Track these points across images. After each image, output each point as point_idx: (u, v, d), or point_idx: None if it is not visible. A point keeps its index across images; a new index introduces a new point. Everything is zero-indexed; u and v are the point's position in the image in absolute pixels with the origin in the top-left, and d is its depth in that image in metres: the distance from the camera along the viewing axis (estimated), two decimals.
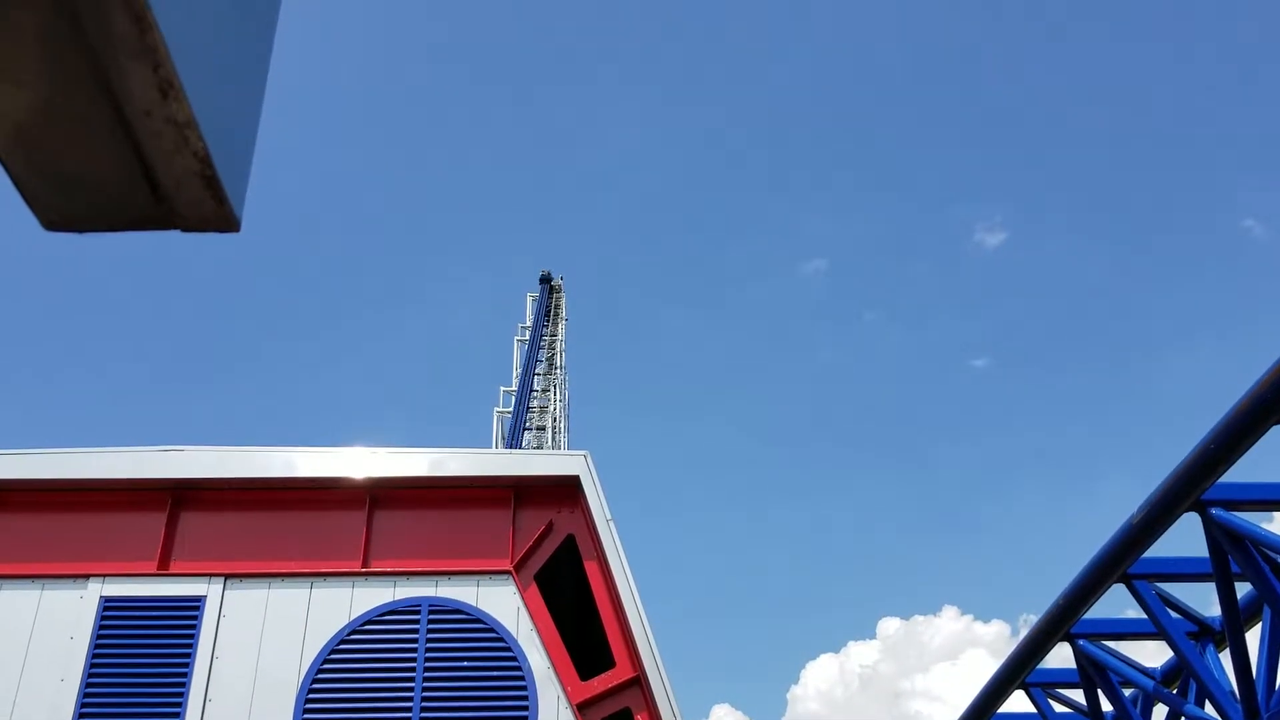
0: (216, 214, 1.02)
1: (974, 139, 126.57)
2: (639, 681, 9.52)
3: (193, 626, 9.42)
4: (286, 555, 9.85)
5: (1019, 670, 8.59)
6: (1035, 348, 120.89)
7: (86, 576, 9.56)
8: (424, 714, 9.18)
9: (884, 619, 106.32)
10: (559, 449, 31.65)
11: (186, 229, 1.03)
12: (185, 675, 9.20)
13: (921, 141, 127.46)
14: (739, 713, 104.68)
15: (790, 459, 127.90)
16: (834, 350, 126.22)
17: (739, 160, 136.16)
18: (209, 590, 9.59)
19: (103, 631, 9.31)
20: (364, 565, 9.84)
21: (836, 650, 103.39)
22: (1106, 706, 8.13)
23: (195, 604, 9.52)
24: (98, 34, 0.87)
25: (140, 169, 0.98)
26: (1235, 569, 6.59)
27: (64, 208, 1.03)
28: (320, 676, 9.31)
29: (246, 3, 1.07)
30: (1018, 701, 8.97)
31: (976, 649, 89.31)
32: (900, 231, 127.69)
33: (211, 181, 0.99)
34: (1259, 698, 6.75)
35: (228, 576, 9.67)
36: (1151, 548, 7.05)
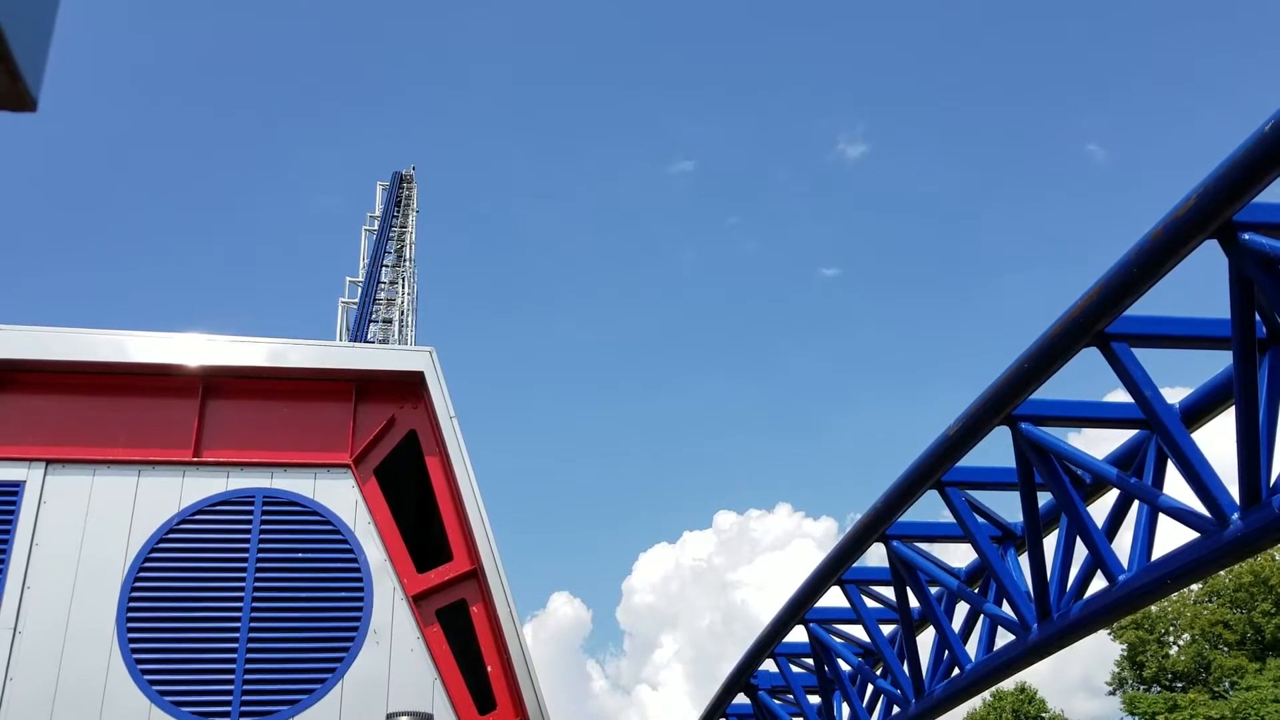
0: (10, 91, 1.00)
1: (841, 50, 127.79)
2: (476, 574, 9.67)
3: (10, 512, 9.09)
4: (113, 442, 9.55)
5: (836, 568, 9.07)
6: (884, 261, 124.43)
7: None
8: (255, 605, 9.15)
9: (720, 512, 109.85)
10: (406, 343, 31.24)
11: None
12: (2, 562, 8.90)
13: (792, 50, 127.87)
14: (577, 600, 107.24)
15: (643, 358, 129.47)
16: (696, 253, 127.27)
17: (609, 56, 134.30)
18: (29, 475, 9.25)
19: None
20: (195, 455, 9.63)
21: (673, 541, 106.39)
22: (914, 603, 8.69)
23: (14, 489, 9.18)
24: None
25: None
26: (1039, 479, 7.05)
27: None
28: (147, 566, 9.14)
29: None
30: (833, 597, 9.51)
31: (805, 540, 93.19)
32: (767, 138, 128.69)
33: (3, 57, 0.97)
34: (1051, 597, 7.32)
35: (49, 462, 9.33)
36: (965, 458, 7.48)
